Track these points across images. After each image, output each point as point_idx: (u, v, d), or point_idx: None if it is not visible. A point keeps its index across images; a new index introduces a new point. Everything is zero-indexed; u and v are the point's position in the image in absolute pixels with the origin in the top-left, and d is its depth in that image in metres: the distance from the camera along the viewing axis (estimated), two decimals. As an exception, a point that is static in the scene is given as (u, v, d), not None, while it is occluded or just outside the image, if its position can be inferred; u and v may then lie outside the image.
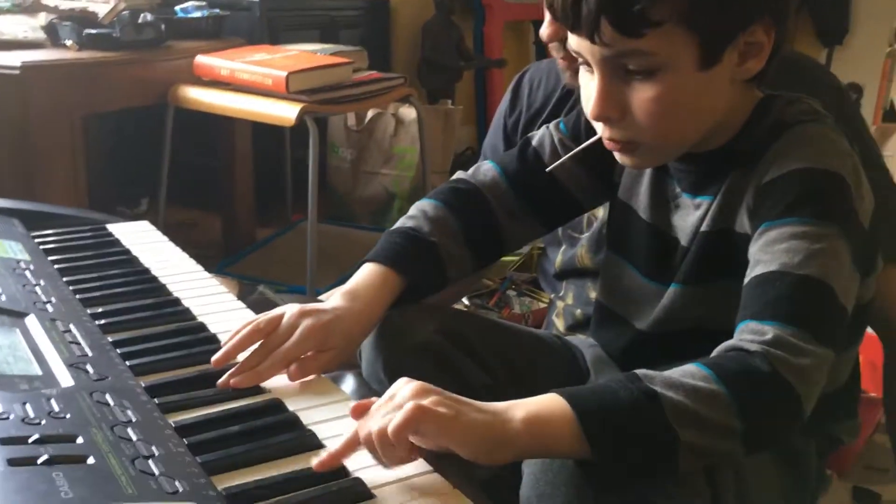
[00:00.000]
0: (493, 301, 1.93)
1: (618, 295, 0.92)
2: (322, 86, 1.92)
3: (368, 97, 2.07)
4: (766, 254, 0.70)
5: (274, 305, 1.10)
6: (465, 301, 1.88)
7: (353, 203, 2.71)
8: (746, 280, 0.71)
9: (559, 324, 1.16)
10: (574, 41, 0.75)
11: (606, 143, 0.79)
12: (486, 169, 0.95)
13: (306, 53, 2.07)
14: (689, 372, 0.64)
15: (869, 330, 0.99)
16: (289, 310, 0.80)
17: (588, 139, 0.87)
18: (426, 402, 0.61)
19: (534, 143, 0.94)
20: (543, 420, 0.62)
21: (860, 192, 0.74)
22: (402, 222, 0.91)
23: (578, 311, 1.12)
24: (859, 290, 0.77)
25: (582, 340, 1.01)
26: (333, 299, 0.83)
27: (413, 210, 0.93)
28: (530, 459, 0.67)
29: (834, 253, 0.69)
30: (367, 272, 0.86)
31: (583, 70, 0.78)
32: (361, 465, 0.63)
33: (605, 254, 0.95)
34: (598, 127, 0.79)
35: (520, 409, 0.62)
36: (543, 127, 0.95)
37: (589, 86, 0.77)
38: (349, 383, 0.88)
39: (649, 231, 0.87)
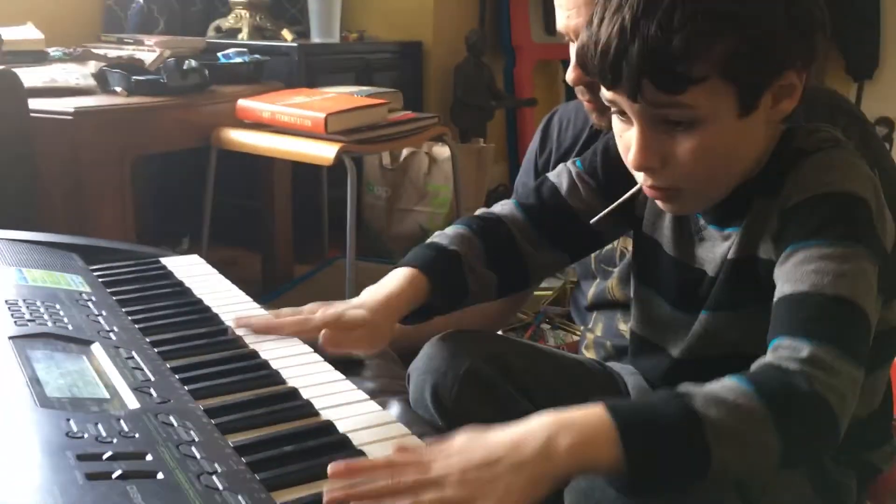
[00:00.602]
0: (527, 335, 1.95)
1: (650, 324, 0.94)
2: (359, 126, 1.98)
3: (403, 136, 2.12)
4: (795, 274, 0.72)
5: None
6: (500, 334, 1.90)
7: (388, 240, 2.76)
8: (776, 299, 0.73)
9: (589, 356, 1.18)
10: (609, 94, 0.76)
11: (648, 191, 0.81)
12: (504, 203, 0.98)
13: (344, 95, 2.14)
14: (730, 387, 0.65)
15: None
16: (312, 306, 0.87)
17: (606, 176, 0.91)
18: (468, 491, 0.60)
19: (551, 178, 0.96)
20: (588, 445, 0.62)
21: (882, 214, 0.76)
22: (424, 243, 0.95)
23: (608, 343, 1.14)
24: (887, 314, 0.79)
25: (623, 367, 1.04)
26: (358, 297, 0.88)
27: (435, 234, 0.96)
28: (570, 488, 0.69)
29: (862, 273, 0.71)
30: (391, 275, 0.90)
31: (617, 119, 0.80)
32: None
33: (633, 285, 0.97)
34: (639, 176, 0.80)
35: (561, 436, 0.62)
36: (560, 164, 0.98)
37: (625, 136, 0.79)
38: (395, 408, 0.91)
39: (674, 264, 0.89)
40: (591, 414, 0.63)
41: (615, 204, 0.89)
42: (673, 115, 0.73)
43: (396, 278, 0.89)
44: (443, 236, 0.93)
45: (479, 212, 1.00)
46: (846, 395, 0.66)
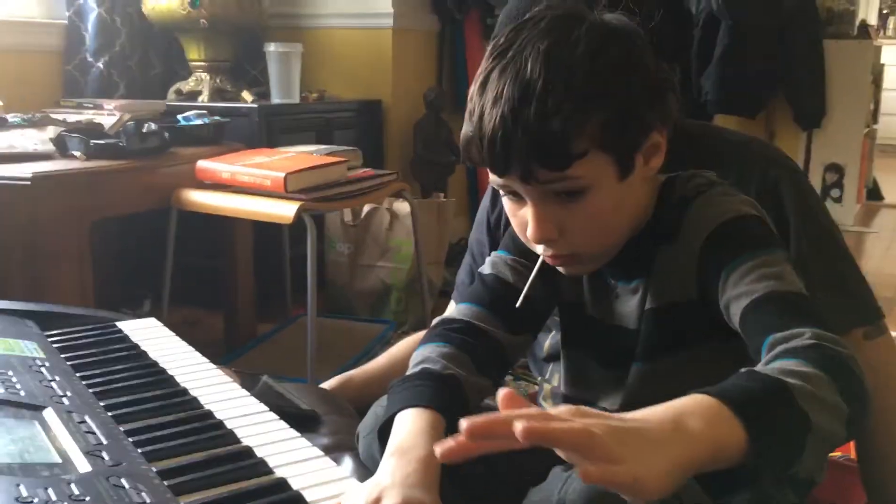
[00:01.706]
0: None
1: (580, 385, 0.98)
2: (319, 184, 2.01)
3: (363, 193, 2.16)
4: (742, 289, 0.79)
5: (278, 395, 1.15)
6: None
7: (352, 296, 2.77)
8: (740, 314, 0.78)
9: (547, 406, 1.20)
10: (500, 179, 0.82)
11: (549, 260, 0.87)
12: (461, 308, 0.97)
13: (303, 154, 2.17)
14: (784, 364, 0.68)
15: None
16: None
17: (530, 250, 0.93)
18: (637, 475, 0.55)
19: (489, 271, 0.98)
20: (713, 424, 0.60)
21: (773, 228, 0.86)
22: (412, 369, 0.89)
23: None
24: None
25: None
26: (387, 465, 0.76)
27: (418, 357, 0.91)
28: None
29: (789, 271, 0.80)
30: (405, 420, 0.81)
31: (508, 201, 0.86)
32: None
33: (562, 349, 1.01)
34: (539, 248, 0.86)
35: (690, 421, 0.60)
36: (488, 259, 1.01)
37: (519, 214, 0.85)
38: (348, 464, 0.91)
39: (596, 324, 0.94)
40: (697, 401, 0.62)
41: (528, 283, 0.93)
42: (563, 188, 0.80)
43: (418, 428, 0.80)
44: (432, 361, 0.89)
45: (439, 320, 0.99)
46: (857, 359, 0.71)
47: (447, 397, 0.84)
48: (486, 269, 1.00)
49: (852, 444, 1.16)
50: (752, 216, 0.85)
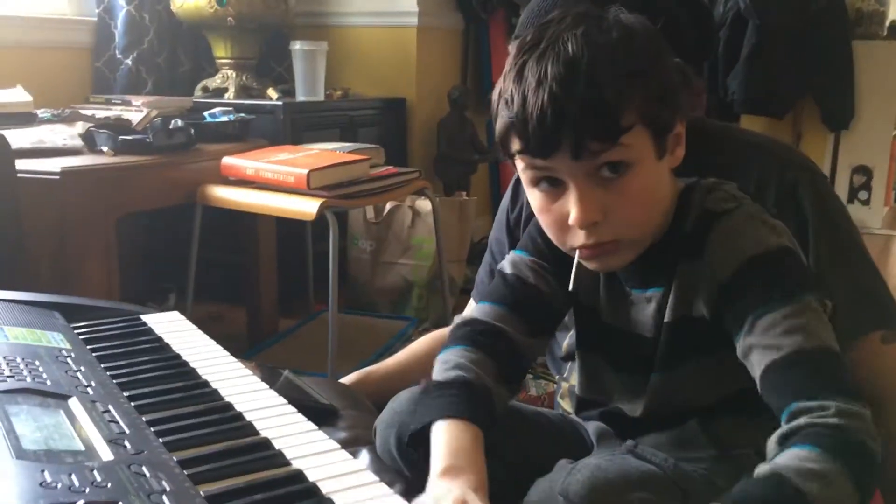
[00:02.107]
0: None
1: (595, 389, 0.98)
2: (341, 181, 2.03)
3: (385, 191, 2.17)
4: (768, 340, 0.77)
5: (298, 389, 1.16)
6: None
7: (373, 293, 2.79)
8: (763, 369, 0.78)
9: (565, 405, 1.21)
10: (542, 163, 0.82)
11: (587, 251, 0.85)
12: (484, 308, 0.97)
13: (326, 152, 2.19)
14: (806, 456, 0.69)
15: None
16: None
17: (553, 255, 0.94)
18: None
19: (511, 271, 0.98)
20: None
21: (800, 251, 0.84)
22: (446, 374, 0.88)
23: None
24: None
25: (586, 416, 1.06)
26: (444, 484, 0.76)
27: (449, 361, 0.90)
28: None
29: (819, 318, 0.78)
30: (451, 433, 0.81)
31: (542, 195, 0.85)
32: None
33: (577, 352, 1.01)
34: (579, 237, 0.84)
35: None
36: (507, 258, 1.00)
37: (554, 207, 0.84)
38: (365, 458, 0.93)
39: (612, 331, 0.94)
40: None
41: (573, 273, 0.93)
42: (612, 158, 0.80)
43: (470, 448, 0.80)
44: (466, 369, 0.88)
45: (462, 321, 0.98)
46: (875, 434, 0.72)
47: (484, 410, 0.84)
48: (506, 268, 0.99)
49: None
50: (784, 250, 0.82)
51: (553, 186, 0.84)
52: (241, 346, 2.39)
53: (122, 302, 1.51)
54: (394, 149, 3.03)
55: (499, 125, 0.84)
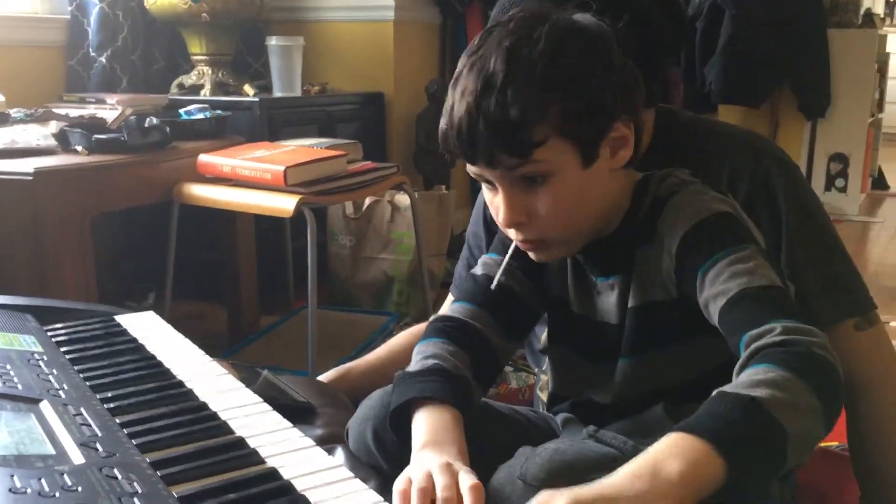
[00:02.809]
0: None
1: (567, 380, 1.00)
2: (318, 178, 2.02)
3: (362, 186, 2.16)
4: (717, 288, 0.81)
5: (275, 387, 1.16)
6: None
7: (355, 288, 2.79)
8: (719, 313, 0.81)
9: (544, 397, 1.21)
10: (473, 168, 0.87)
11: (520, 245, 0.91)
12: (458, 307, 0.99)
13: (303, 148, 2.18)
14: (754, 372, 0.71)
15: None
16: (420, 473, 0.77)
17: (519, 253, 0.97)
18: None
19: (482, 272, 1.01)
20: (694, 462, 0.65)
21: (748, 222, 0.88)
22: (423, 363, 0.90)
23: None
24: None
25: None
26: (426, 454, 0.79)
27: (425, 351, 0.93)
28: None
29: (762, 264, 0.82)
30: (431, 414, 0.84)
31: (486, 189, 0.89)
32: None
33: (549, 346, 1.03)
34: (511, 233, 0.90)
35: (667, 466, 0.65)
36: (480, 260, 1.03)
37: (494, 201, 0.88)
38: (341, 455, 0.92)
39: (582, 321, 0.96)
40: (673, 441, 0.67)
41: (502, 266, 0.97)
42: (527, 172, 0.83)
43: (450, 427, 0.83)
44: (443, 359, 0.91)
45: (438, 315, 1.01)
46: (828, 345, 0.73)
47: (462, 395, 0.87)
48: (478, 270, 1.02)
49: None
50: (724, 213, 0.86)
51: (490, 185, 0.88)
52: (221, 344, 2.38)
53: (101, 302, 1.50)
54: (373, 143, 3.02)
55: (439, 127, 0.88)
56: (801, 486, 1.09)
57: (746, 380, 0.71)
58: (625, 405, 0.92)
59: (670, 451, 0.66)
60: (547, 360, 1.25)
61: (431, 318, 1.01)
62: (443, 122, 0.86)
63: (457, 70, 0.86)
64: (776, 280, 0.81)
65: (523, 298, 0.99)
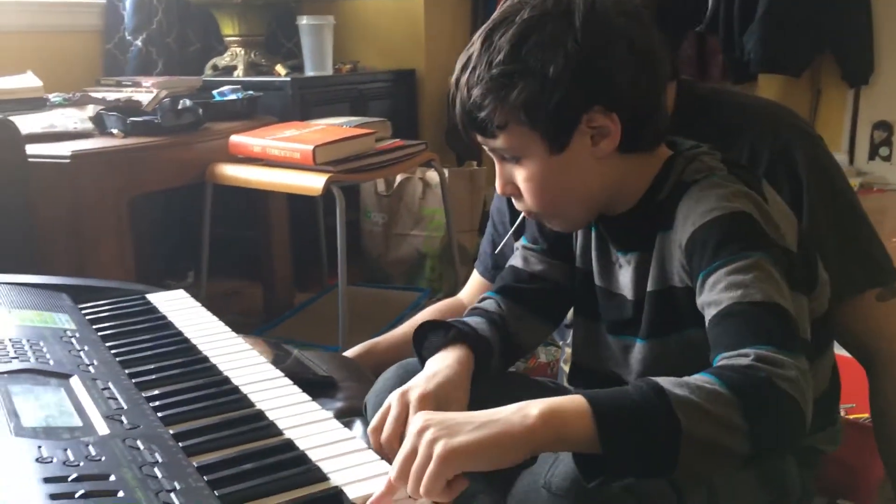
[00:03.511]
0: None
1: (591, 351, 1.01)
2: (347, 156, 2.04)
3: (391, 164, 2.18)
4: (712, 298, 0.78)
5: (301, 364, 1.19)
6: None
7: (387, 265, 2.82)
8: (707, 325, 0.79)
9: (567, 369, 1.23)
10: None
11: (525, 213, 0.94)
12: (486, 297, 1.04)
13: (332, 127, 2.20)
14: (693, 378, 0.70)
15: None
16: (392, 399, 0.86)
17: (545, 237, 1.01)
18: (444, 443, 0.67)
19: (516, 263, 1.04)
20: (559, 412, 0.67)
21: (769, 220, 0.83)
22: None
23: None
24: (813, 304, 0.85)
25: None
26: (419, 378, 0.88)
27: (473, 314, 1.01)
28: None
29: (767, 276, 0.77)
30: (437, 357, 0.92)
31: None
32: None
33: (574, 316, 1.04)
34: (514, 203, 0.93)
35: (533, 405, 0.68)
36: (517, 253, 1.06)
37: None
38: (358, 427, 0.95)
39: (602, 293, 0.97)
40: (565, 398, 0.69)
41: (513, 228, 1.03)
42: (496, 148, 0.87)
43: (450, 358, 0.91)
44: (468, 324, 0.98)
45: (473, 306, 1.05)
46: (798, 382, 0.70)
47: (479, 341, 0.94)
48: (515, 262, 1.05)
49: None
50: (739, 214, 0.81)
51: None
52: (257, 322, 2.44)
53: (142, 282, 1.55)
54: (404, 120, 3.03)
55: None
56: (829, 458, 1.09)
57: (679, 380, 0.69)
58: None
59: (552, 400, 0.69)
60: (571, 333, 1.26)
61: (468, 310, 1.04)
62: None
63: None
64: (775, 296, 0.76)
65: (558, 282, 1.02)
